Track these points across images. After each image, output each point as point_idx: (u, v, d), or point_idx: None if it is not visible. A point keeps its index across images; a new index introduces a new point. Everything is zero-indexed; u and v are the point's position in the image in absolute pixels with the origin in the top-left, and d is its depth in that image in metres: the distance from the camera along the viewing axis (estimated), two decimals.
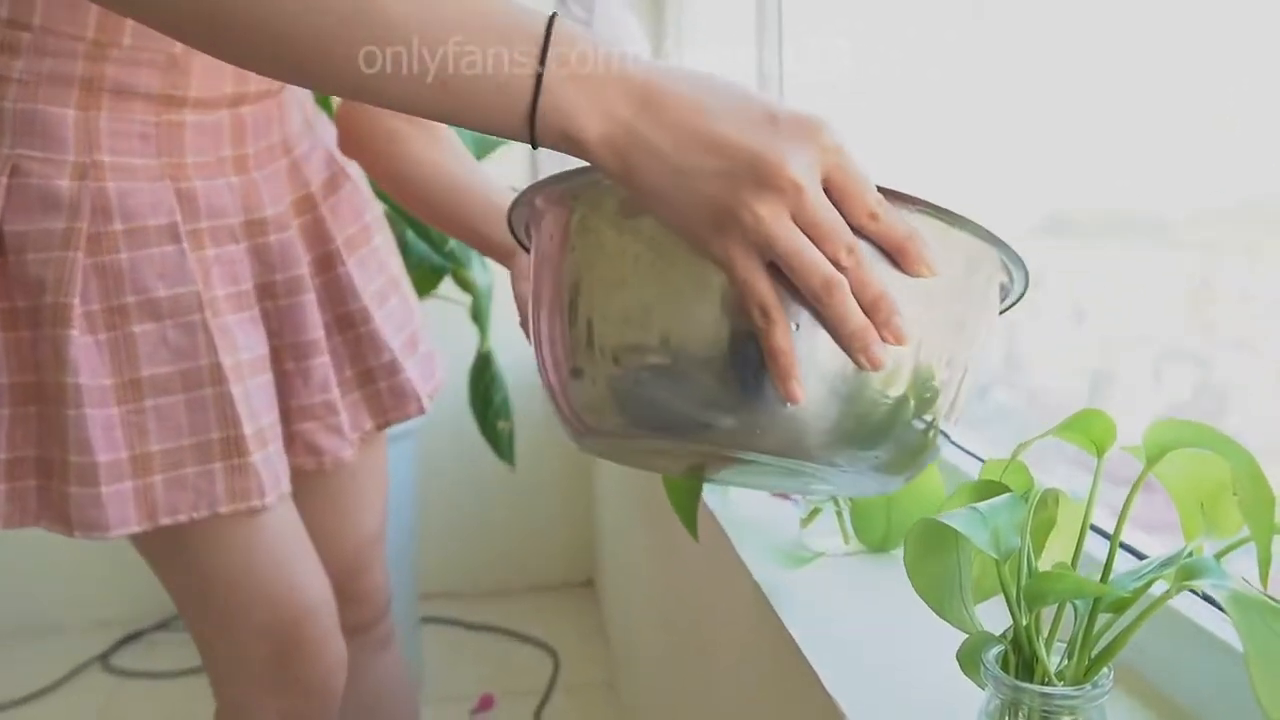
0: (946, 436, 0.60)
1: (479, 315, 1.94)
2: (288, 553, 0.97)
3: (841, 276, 0.50)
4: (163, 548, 0.94)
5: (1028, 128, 1.31)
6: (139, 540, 0.93)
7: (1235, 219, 1.15)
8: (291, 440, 1.00)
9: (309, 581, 0.99)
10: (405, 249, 1.73)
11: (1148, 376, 1.49)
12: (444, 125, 1.03)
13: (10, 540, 2.25)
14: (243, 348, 0.92)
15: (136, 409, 0.85)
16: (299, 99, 1.04)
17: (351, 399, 1.05)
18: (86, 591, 2.52)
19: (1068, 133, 1.24)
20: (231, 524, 0.91)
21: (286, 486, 0.97)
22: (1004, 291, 0.59)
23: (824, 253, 0.50)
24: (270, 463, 0.94)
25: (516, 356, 2.02)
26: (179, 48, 0.85)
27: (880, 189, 0.52)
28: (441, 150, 1.04)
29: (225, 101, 0.93)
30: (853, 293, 0.51)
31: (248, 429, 0.90)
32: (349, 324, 1.04)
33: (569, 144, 0.52)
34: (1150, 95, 1.11)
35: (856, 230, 0.51)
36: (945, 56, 1.36)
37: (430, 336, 1.18)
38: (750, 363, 0.52)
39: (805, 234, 0.50)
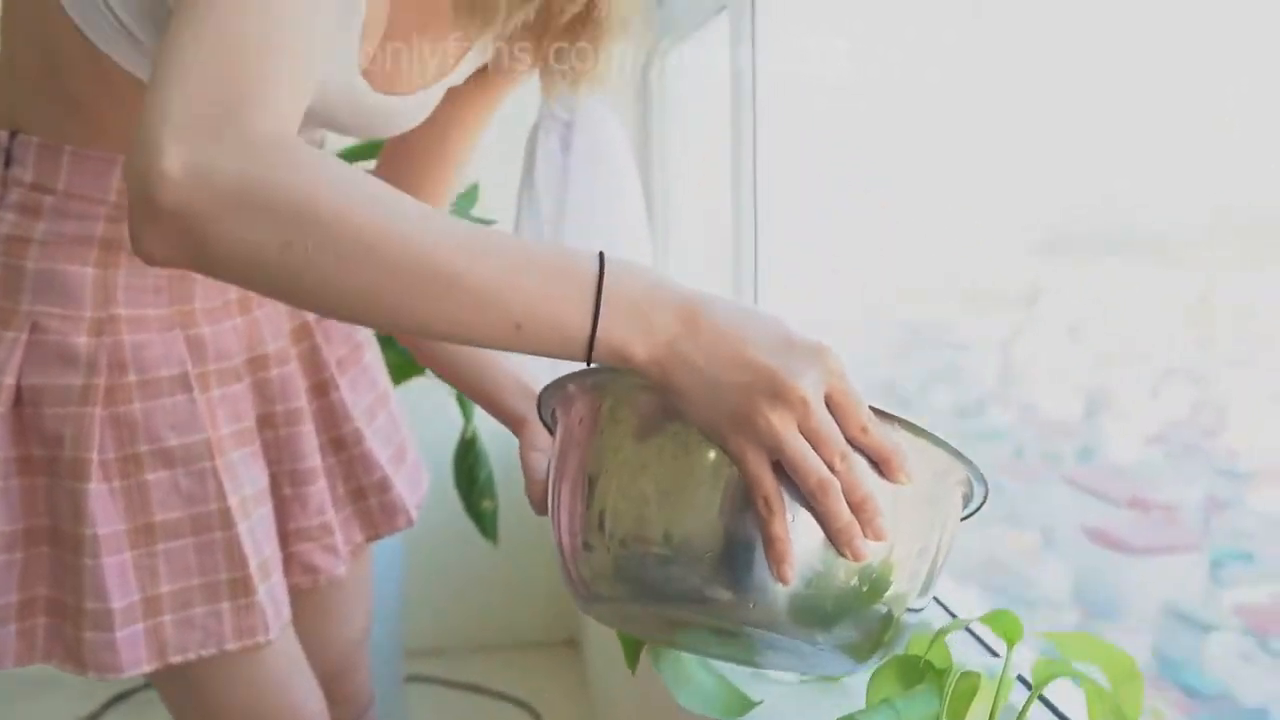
0: (917, 610, 0.65)
1: (463, 398, 1.94)
2: (288, 676, 1.01)
3: (835, 479, 0.58)
4: (169, 680, 0.96)
5: (1025, 144, 1.32)
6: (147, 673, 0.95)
7: (1232, 235, 1.15)
8: (289, 561, 1.03)
9: (307, 699, 1.00)
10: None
11: (1145, 394, 1.50)
12: None
13: None
14: (246, 482, 0.95)
15: (149, 552, 0.90)
16: None
17: (344, 515, 1.09)
18: None
19: (1065, 150, 1.25)
20: (237, 658, 0.95)
21: (287, 615, 0.98)
22: (966, 499, 0.66)
23: (822, 457, 0.58)
24: (273, 595, 0.95)
25: (500, 435, 2.00)
26: None
27: (871, 408, 0.59)
28: None
29: None
30: (843, 493, 0.58)
31: (253, 567, 0.93)
32: (342, 445, 1.08)
33: (619, 362, 0.60)
34: (1147, 111, 1.11)
35: (850, 441, 0.59)
36: (939, 74, 1.37)
37: (416, 417, 1.19)
38: (748, 545, 0.60)
39: (808, 440, 0.58)
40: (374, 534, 1.10)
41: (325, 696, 1.08)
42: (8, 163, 0.84)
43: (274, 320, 1.02)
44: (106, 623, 0.86)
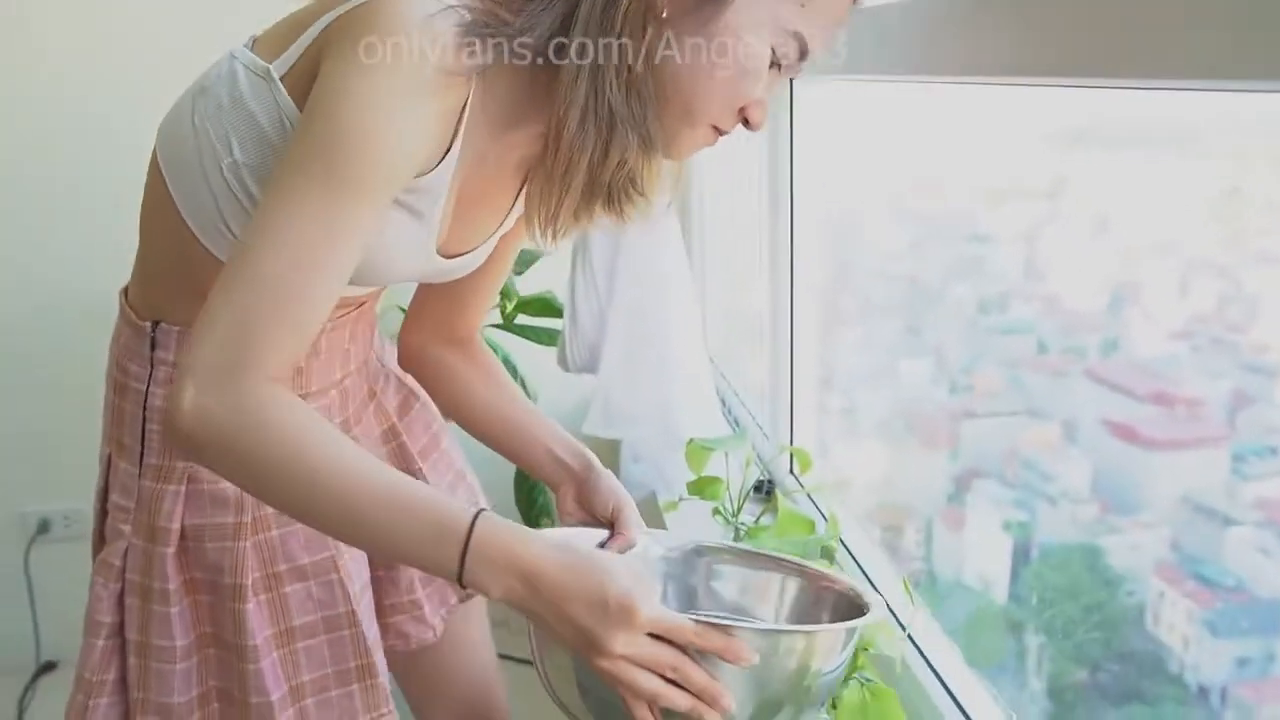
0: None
1: None
2: None
3: (666, 686, 0.77)
4: None
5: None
6: None
7: (1261, 125, 1.11)
8: (385, 629, 1.23)
9: None
10: None
11: (1171, 287, 1.47)
12: (497, 366, 1.25)
13: None
14: (356, 578, 1.12)
15: (291, 650, 1.08)
16: (375, 350, 1.27)
17: (431, 588, 1.28)
18: None
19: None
20: None
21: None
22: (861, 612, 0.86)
23: (656, 674, 0.77)
24: (384, 670, 1.13)
25: None
26: (305, 359, 1.06)
27: (698, 621, 0.77)
28: (490, 387, 1.22)
29: (335, 383, 1.14)
30: (687, 685, 0.77)
31: (374, 652, 1.10)
32: None
33: (482, 594, 0.80)
34: None
35: (693, 646, 0.77)
36: None
37: (480, 446, 1.29)
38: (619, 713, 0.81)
39: (643, 668, 0.77)
40: (465, 595, 1.32)
41: None
42: (153, 346, 1.03)
43: (367, 430, 1.24)
44: (268, 713, 1.05)
